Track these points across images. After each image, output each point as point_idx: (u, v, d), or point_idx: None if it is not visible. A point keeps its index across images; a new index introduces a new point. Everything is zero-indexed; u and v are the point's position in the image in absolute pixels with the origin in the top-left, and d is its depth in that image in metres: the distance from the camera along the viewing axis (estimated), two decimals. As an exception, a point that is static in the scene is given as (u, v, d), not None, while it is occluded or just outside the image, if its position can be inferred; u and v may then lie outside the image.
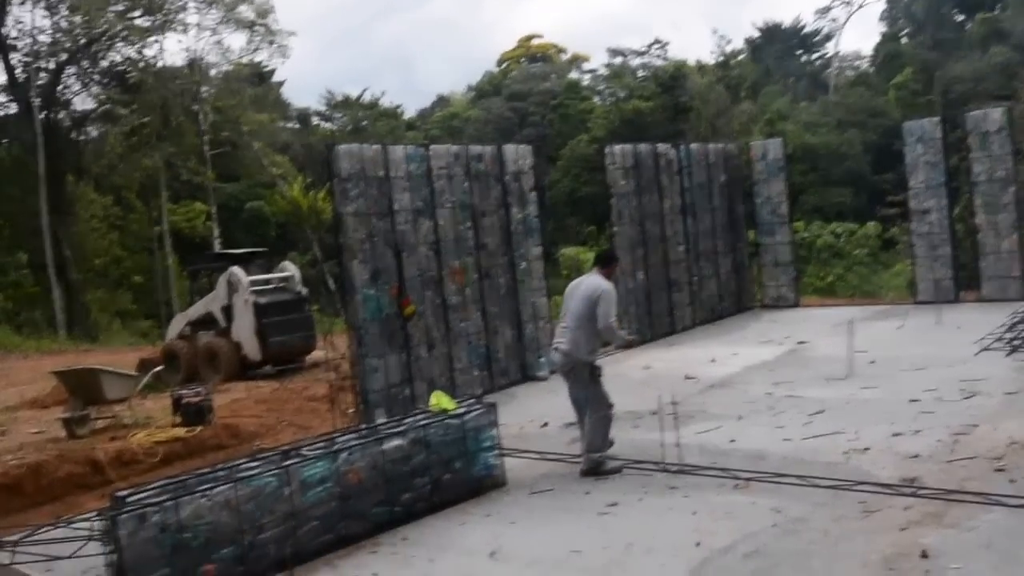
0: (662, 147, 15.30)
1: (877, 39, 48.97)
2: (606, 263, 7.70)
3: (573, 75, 49.99)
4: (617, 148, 14.36)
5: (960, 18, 45.62)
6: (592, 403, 7.43)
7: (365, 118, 41.31)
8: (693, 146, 16.33)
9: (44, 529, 6.88)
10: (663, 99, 37.97)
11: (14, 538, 6.59)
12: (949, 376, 9.52)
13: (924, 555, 5.08)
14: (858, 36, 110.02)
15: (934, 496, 5.99)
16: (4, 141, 32.25)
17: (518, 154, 12.25)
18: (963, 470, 6.50)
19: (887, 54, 42.83)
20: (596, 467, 7.31)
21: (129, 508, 5.20)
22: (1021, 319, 11.43)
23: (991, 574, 4.83)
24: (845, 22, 69.07)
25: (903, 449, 7.15)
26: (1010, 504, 5.69)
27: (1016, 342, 10.74)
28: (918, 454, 6.98)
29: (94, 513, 5.89)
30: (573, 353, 7.42)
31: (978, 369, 9.76)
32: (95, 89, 32.16)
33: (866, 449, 7.25)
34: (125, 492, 5.45)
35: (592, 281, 7.53)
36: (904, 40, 46.06)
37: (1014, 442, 6.99)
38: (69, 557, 5.91)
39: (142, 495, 5.39)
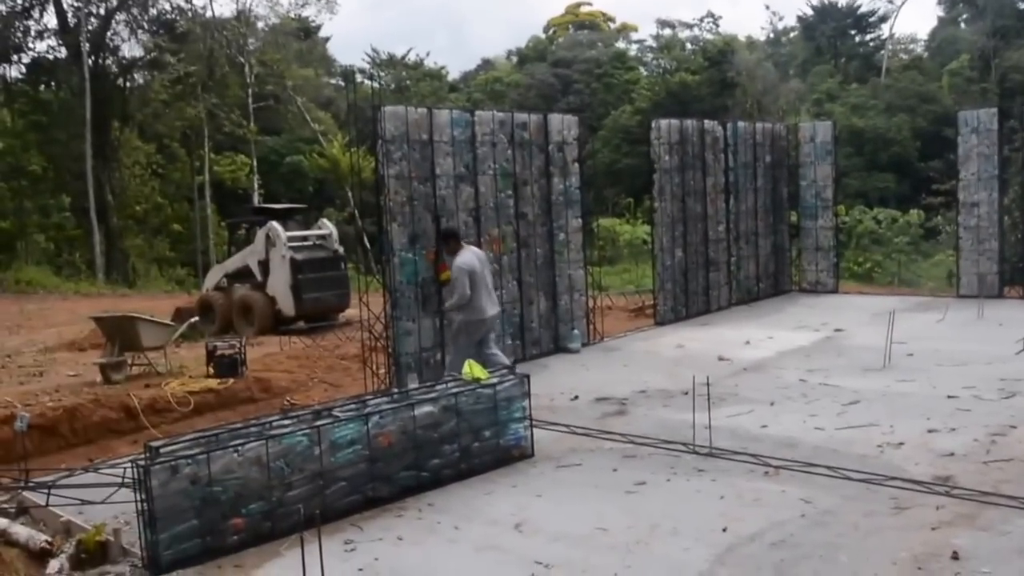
0: (709, 124, 15.06)
1: (934, 23, 47.71)
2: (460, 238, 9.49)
3: (620, 44, 49.25)
4: (663, 122, 14.15)
5: (1022, 5, 44.14)
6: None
7: (409, 78, 41.10)
8: (740, 124, 16.05)
9: (78, 473, 7.02)
10: (710, 73, 37.36)
11: (49, 480, 6.75)
12: (988, 374, 9.33)
13: (955, 556, 4.99)
14: (914, 19, 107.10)
15: (968, 497, 5.89)
16: (52, 85, 32.60)
17: (564, 124, 12.10)
18: (999, 472, 6.37)
19: (943, 39, 41.69)
20: None
21: (162, 459, 5.27)
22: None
23: (1024, 580, 4.74)
24: (902, 4, 67.25)
25: (938, 446, 7.03)
26: (1046, 510, 5.58)
27: (1060, 343, 10.49)
28: (953, 452, 6.86)
29: (127, 460, 5.98)
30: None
31: (1019, 368, 9.55)
32: (143, 36, 32.37)
33: (900, 444, 7.13)
34: (159, 442, 5.51)
35: (481, 253, 9.44)
36: (962, 25, 44.74)
37: (1053, 446, 6.85)
38: (101, 502, 6.02)
39: (175, 446, 5.45)
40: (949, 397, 8.50)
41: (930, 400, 8.45)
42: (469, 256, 9.09)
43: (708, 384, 7.71)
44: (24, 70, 32.21)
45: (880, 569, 4.91)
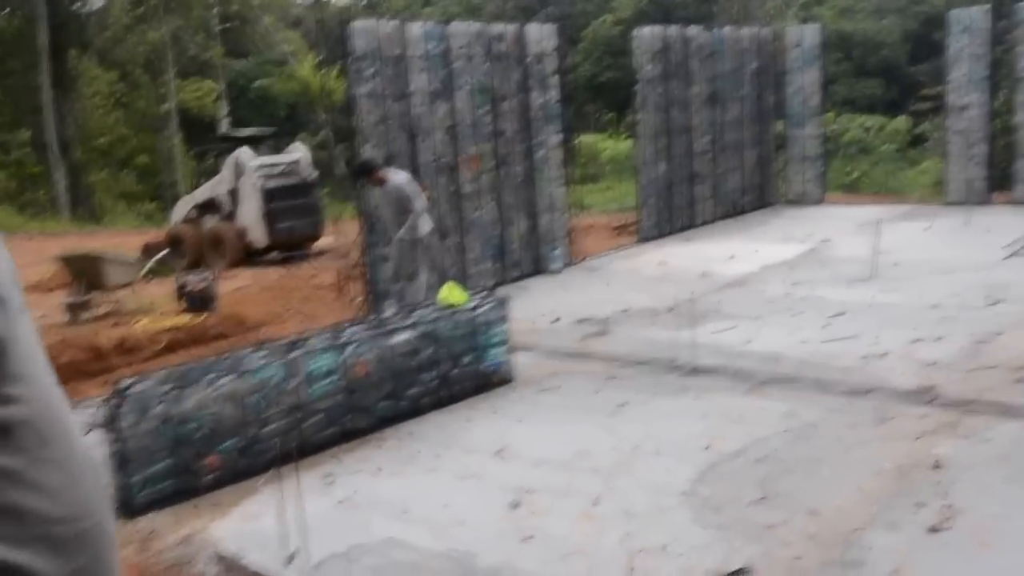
0: (693, 30, 14.58)
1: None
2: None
3: (599, -49, 47.65)
4: (645, 30, 13.68)
5: None
6: None
7: (381, -8, 39.76)
8: (726, 30, 15.56)
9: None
10: (693, -21, 36.25)
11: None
12: (974, 281, 9.27)
13: (937, 465, 4.97)
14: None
15: (951, 405, 5.85)
16: (5, 12, 31.19)
17: (542, 34, 11.66)
18: (983, 380, 6.34)
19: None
20: None
21: (131, 398, 5.11)
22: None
23: (1004, 486, 4.71)
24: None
25: (922, 356, 6.98)
26: (1030, 417, 5.55)
27: (1047, 247, 10.41)
28: (937, 361, 6.81)
29: (96, 402, 5.82)
30: None
31: (1005, 275, 9.48)
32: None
33: (884, 354, 7.08)
34: (127, 382, 5.35)
35: None
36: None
37: (1038, 352, 6.80)
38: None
39: (144, 385, 5.28)
40: (934, 306, 8.44)
41: (915, 310, 8.39)
42: (401, 173, 8.84)
43: (692, 301, 7.59)
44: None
45: (863, 480, 4.87)
